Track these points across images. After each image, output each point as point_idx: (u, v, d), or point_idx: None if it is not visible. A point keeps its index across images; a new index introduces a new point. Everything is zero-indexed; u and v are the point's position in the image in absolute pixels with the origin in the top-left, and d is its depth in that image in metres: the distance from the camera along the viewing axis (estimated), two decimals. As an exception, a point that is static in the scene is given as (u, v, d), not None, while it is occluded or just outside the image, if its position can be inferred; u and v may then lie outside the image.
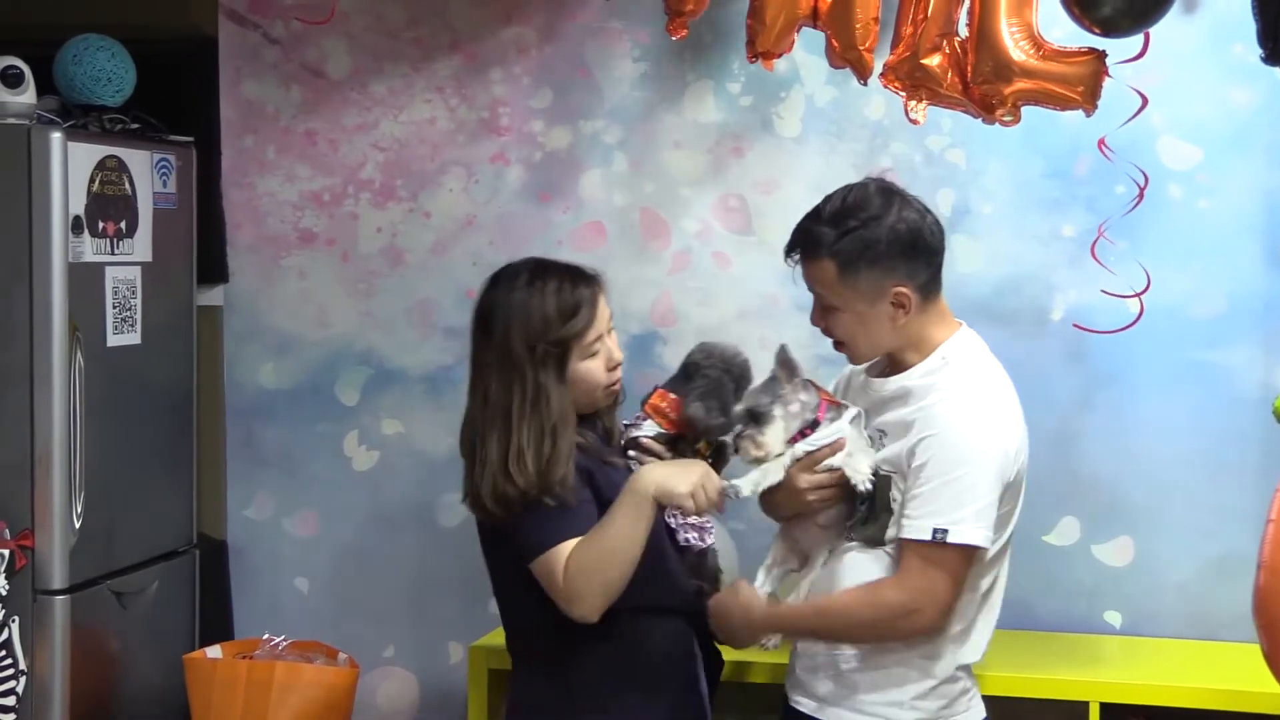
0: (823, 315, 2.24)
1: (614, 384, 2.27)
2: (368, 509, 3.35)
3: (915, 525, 2.10)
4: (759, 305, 3.12)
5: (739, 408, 2.22)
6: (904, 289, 2.16)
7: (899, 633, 2.13)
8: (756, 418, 2.17)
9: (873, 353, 2.24)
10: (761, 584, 2.25)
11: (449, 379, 3.23)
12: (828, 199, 2.22)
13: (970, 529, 2.08)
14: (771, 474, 2.19)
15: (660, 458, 2.30)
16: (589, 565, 2.11)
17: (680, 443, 2.32)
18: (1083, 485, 2.99)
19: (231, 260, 3.38)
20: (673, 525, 2.31)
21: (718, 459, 2.34)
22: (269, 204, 3.37)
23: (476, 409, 2.21)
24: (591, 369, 2.22)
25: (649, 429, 2.33)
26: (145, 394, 3.16)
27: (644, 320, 3.18)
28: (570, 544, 2.13)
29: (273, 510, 3.40)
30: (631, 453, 2.32)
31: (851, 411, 2.21)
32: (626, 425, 2.37)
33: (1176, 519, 2.96)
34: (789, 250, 2.24)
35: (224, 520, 3.40)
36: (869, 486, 2.13)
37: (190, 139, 3.27)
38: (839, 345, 2.26)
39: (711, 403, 2.29)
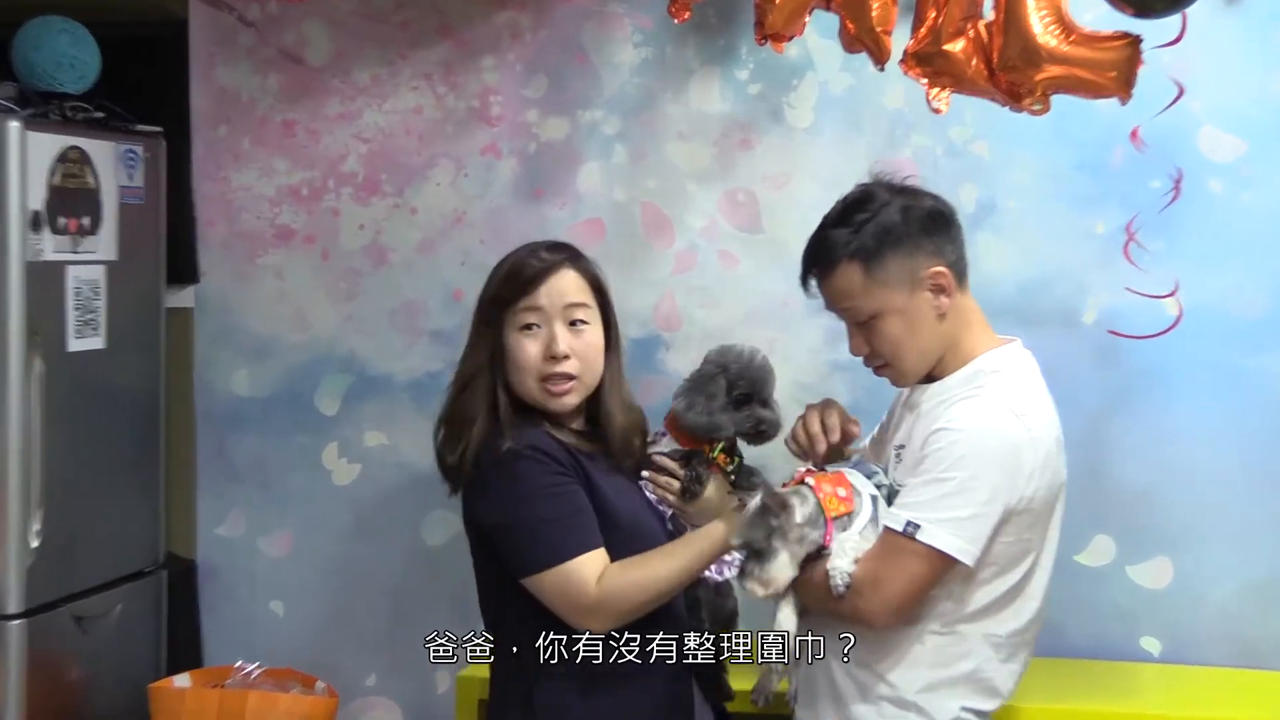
0: (861, 333, 2.22)
1: (551, 378, 2.20)
2: (349, 526, 3.34)
3: (893, 515, 2.12)
4: (768, 307, 3.12)
5: (735, 539, 2.13)
6: (938, 268, 2.18)
7: (838, 607, 2.12)
8: (756, 554, 2.09)
9: (923, 362, 2.22)
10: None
11: (436, 386, 3.16)
12: (828, 212, 2.27)
13: (944, 533, 2.07)
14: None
15: (674, 475, 2.29)
16: (635, 593, 2.11)
17: (695, 457, 2.31)
18: (1116, 501, 2.99)
19: (203, 259, 3.37)
20: None
21: (739, 473, 2.33)
22: (244, 199, 3.36)
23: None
24: (523, 346, 2.19)
25: (666, 445, 2.33)
26: (109, 402, 3.15)
27: (646, 323, 3.17)
28: (589, 560, 2.11)
29: (246, 528, 3.39)
30: (645, 473, 2.30)
31: (865, 509, 2.15)
32: (648, 443, 2.36)
33: (1218, 537, 2.96)
34: (806, 273, 2.25)
35: (194, 538, 3.39)
36: (841, 589, 2.09)
37: (159, 129, 3.26)
38: (882, 368, 2.25)
39: (695, 398, 2.28)
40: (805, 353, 3.09)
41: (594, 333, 2.25)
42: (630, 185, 3.20)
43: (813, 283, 2.26)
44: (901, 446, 2.24)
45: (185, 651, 3.32)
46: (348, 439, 3.34)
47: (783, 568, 2.10)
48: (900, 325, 2.19)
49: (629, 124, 3.19)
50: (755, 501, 2.10)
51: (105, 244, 3.09)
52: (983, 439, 2.11)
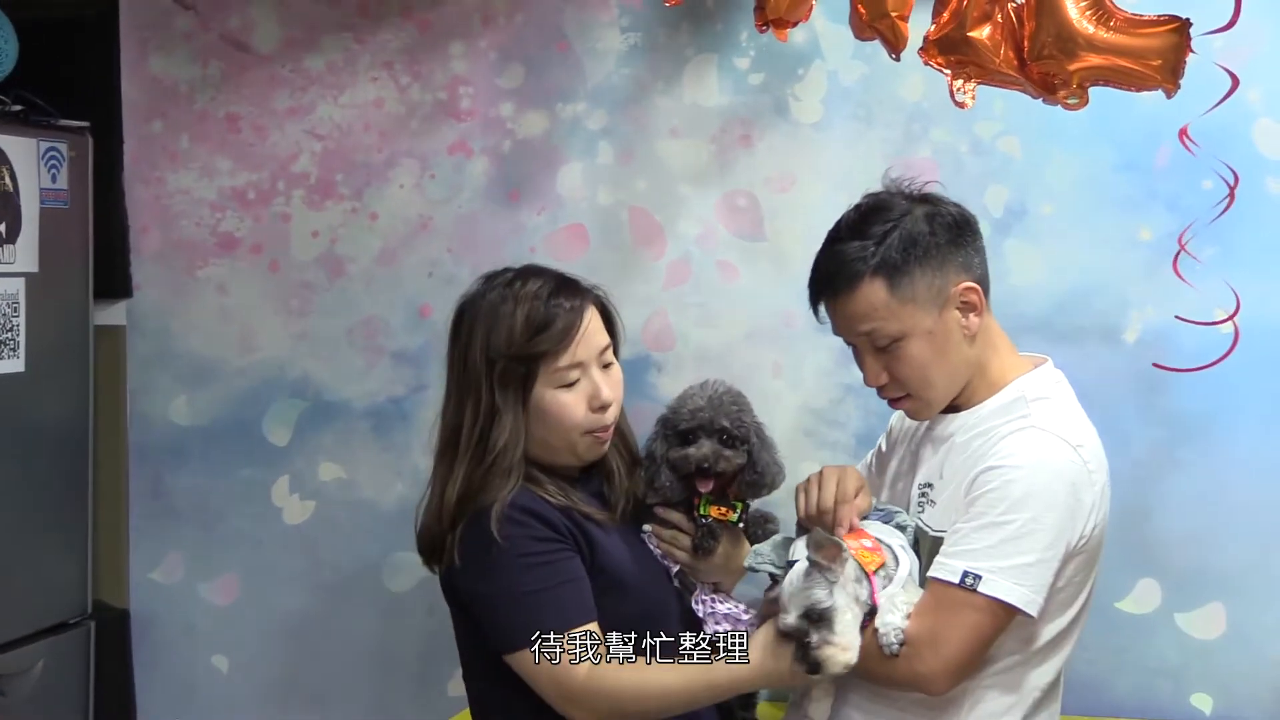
0: (880, 360, 2.18)
1: (599, 430, 2.19)
2: (301, 571, 3.33)
3: (946, 565, 2.08)
4: (772, 325, 3.11)
5: (791, 616, 2.06)
6: (969, 283, 2.16)
7: (891, 671, 2.08)
8: (819, 618, 2.02)
9: (950, 390, 2.20)
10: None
11: (399, 413, 3.24)
12: (837, 224, 2.22)
13: (1008, 583, 2.05)
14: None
15: (680, 529, 2.26)
16: (627, 700, 2.09)
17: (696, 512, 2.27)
18: (1164, 541, 2.95)
19: (136, 271, 3.37)
20: (700, 612, 2.24)
21: (749, 523, 2.30)
22: (182, 203, 3.35)
23: (439, 430, 2.22)
24: (564, 403, 2.16)
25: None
26: (30, 432, 3.14)
27: (635, 342, 3.12)
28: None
29: (185, 573, 3.37)
30: (647, 526, 2.27)
31: (904, 561, 2.12)
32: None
33: (1277, 582, 2.92)
34: (818, 295, 2.20)
35: (126, 585, 3.38)
36: (896, 647, 2.06)
37: (85, 124, 3.25)
38: (902, 399, 2.21)
39: (717, 445, 2.23)
40: (814, 375, 3.08)
41: (618, 368, 2.26)
42: (617, 188, 3.18)
43: (822, 306, 2.23)
44: (929, 485, 2.21)
45: (116, 712, 3.32)
46: (300, 473, 3.33)
47: (853, 624, 2.04)
48: (927, 349, 2.15)
49: (615, 119, 3.17)
50: (800, 563, 2.04)
51: (24, 254, 3.08)
52: (1043, 477, 2.08)
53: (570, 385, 2.16)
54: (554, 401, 2.15)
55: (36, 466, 3.15)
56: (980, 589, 2.04)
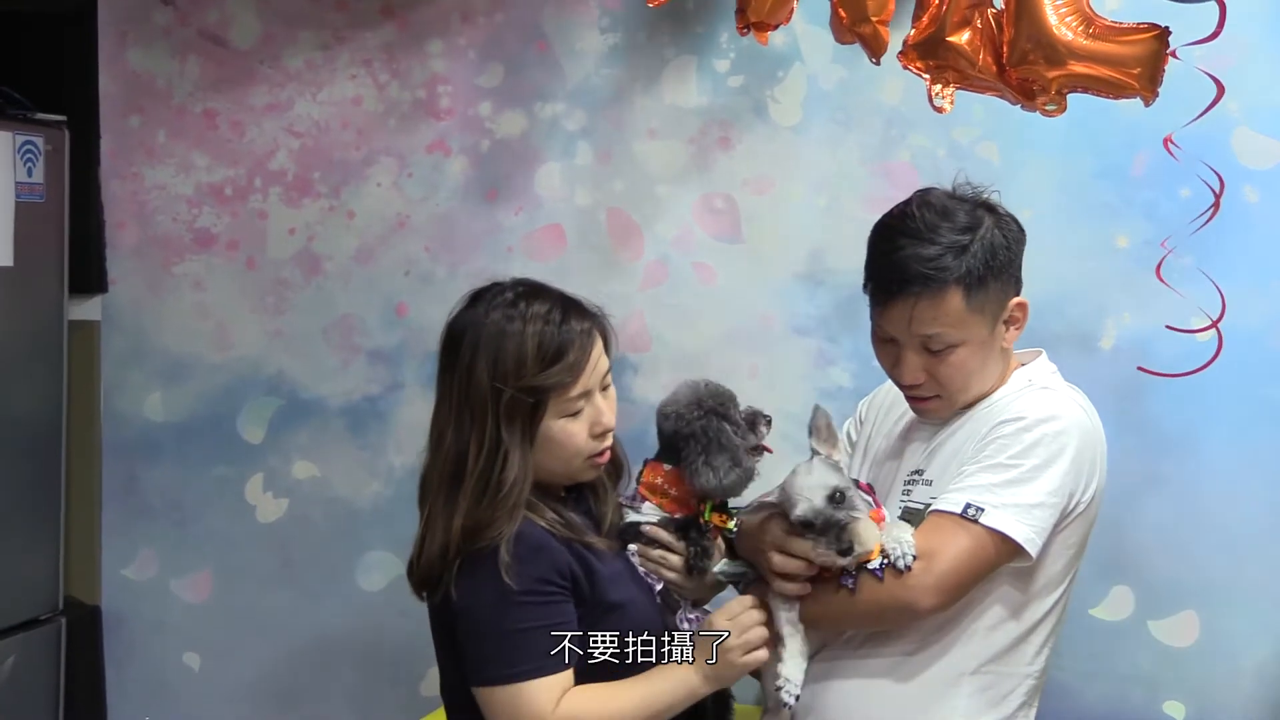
0: (922, 360, 2.18)
1: (599, 454, 2.16)
2: (274, 569, 3.32)
3: (948, 499, 2.10)
4: (749, 327, 3.10)
5: (805, 503, 2.09)
6: (1021, 299, 2.22)
7: (887, 592, 2.08)
8: (841, 498, 2.07)
9: (975, 395, 2.23)
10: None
11: (374, 412, 3.24)
12: (901, 218, 2.18)
13: (1011, 517, 2.06)
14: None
15: (669, 549, 2.23)
16: None
17: (692, 527, 2.25)
18: (1138, 549, 2.95)
19: (111, 266, 3.36)
20: (681, 627, 2.21)
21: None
22: (158, 199, 3.34)
23: (431, 456, 2.14)
24: (570, 432, 2.11)
25: (650, 512, 2.26)
26: (2, 426, 3.12)
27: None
28: (549, 684, 2.04)
29: (158, 570, 3.36)
30: (632, 546, 2.24)
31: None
32: (622, 506, 2.29)
33: (1251, 590, 2.91)
34: (895, 290, 2.15)
35: (98, 581, 3.37)
36: (911, 559, 2.07)
37: (62, 118, 3.24)
38: (930, 399, 2.21)
39: (717, 460, 2.21)
40: (791, 378, 3.07)
41: (613, 388, 2.21)
42: (595, 188, 3.17)
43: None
44: (919, 471, 2.23)
45: (86, 709, 3.31)
46: (274, 470, 3.32)
47: (870, 525, 2.08)
48: (976, 357, 2.19)
49: (594, 119, 3.17)
50: (807, 465, 2.12)
51: None
52: (1054, 427, 2.12)
53: (576, 414, 2.12)
54: (561, 431, 2.11)
55: (8, 461, 3.13)
56: (982, 520, 2.06)
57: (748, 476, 2.22)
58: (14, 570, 3.15)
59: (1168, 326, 2.80)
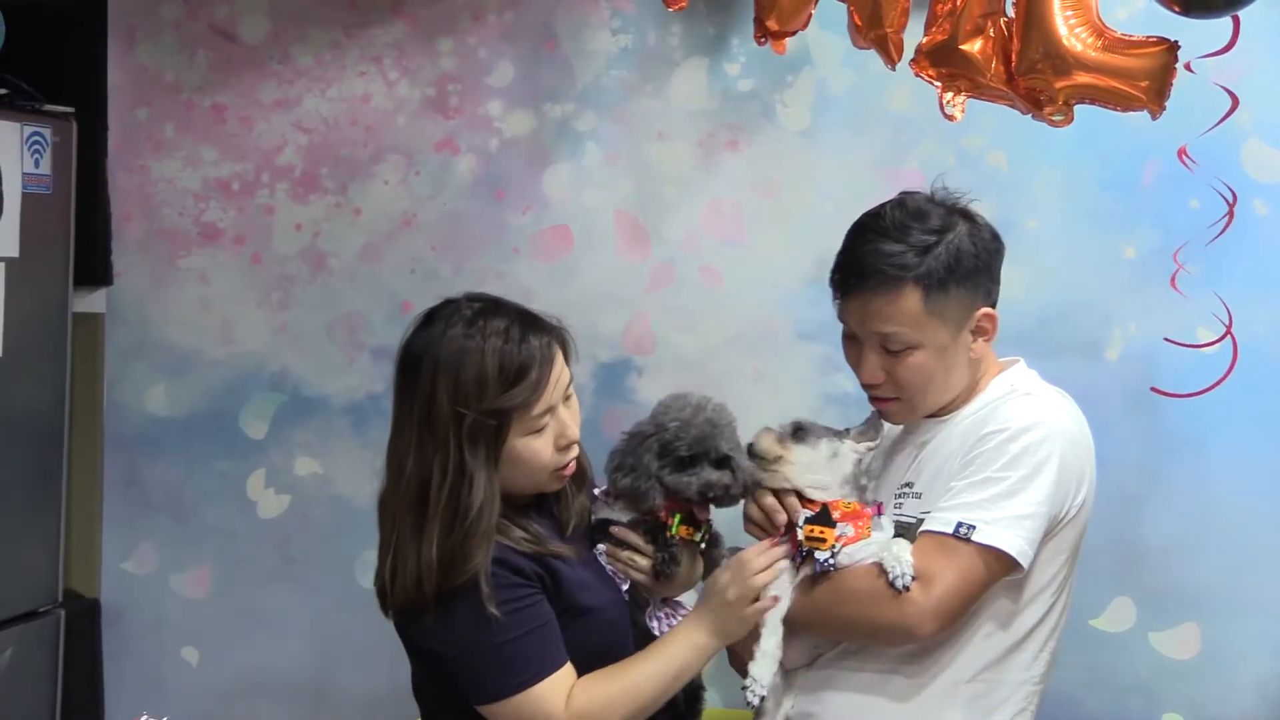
0: (882, 360, 2.17)
1: (563, 467, 2.12)
2: (274, 565, 3.31)
3: (939, 519, 2.09)
4: (754, 332, 3.10)
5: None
6: (989, 310, 2.18)
7: (884, 615, 2.07)
8: (798, 431, 2.15)
9: (938, 402, 2.21)
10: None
11: (378, 410, 3.22)
12: (875, 217, 2.18)
13: (1003, 532, 2.06)
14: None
15: (639, 551, 2.20)
16: (612, 712, 2.06)
17: (659, 532, 2.21)
18: (1140, 560, 2.97)
19: (117, 259, 3.34)
20: (655, 629, 2.20)
21: (709, 543, 2.25)
22: (165, 192, 3.33)
23: (391, 483, 2.07)
24: (535, 449, 2.07)
25: (619, 511, 2.23)
26: (5, 419, 3.11)
27: (615, 346, 3.16)
28: (555, 681, 2.03)
29: (158, 564, 3.35)
30: (601, 546, 2.22)
31: (888, 525, 2.16)
32: (595, 501, 2.27)
33: (1252, 602, 2.93)
34: (847, 283, 2.16)
35: (97, 575, 3.35)
36: (907, 582, 2.06)
37: (71, 110, 3.23)
38: (890, 401, 2.20)
39: (625, 462, 2.18)
40: (795, 383, 3.07)
41: (575, 398, 2.17)
42: (603, 190, 3.17)
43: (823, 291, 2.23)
44: (909, 484, 2.21)
45: (84, 702, 3.28)
46: (276, 467, 3.31)
47: (804, 459, 2.16)
48: (935, 363, 2.16)
49: (603, 121, 3.17)
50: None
51: (4, 238, 3.04)
52: (1039, 435, 2.10)
53: (540, 431, 2.08)
54: (525, 449, 2.06)
55: (10, 453, 3.11)
56: (974, 538, 2.05)
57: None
58: (13, 562, 3.11)
59: (1167, 339, 2.80)
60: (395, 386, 2.09)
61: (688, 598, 2.28)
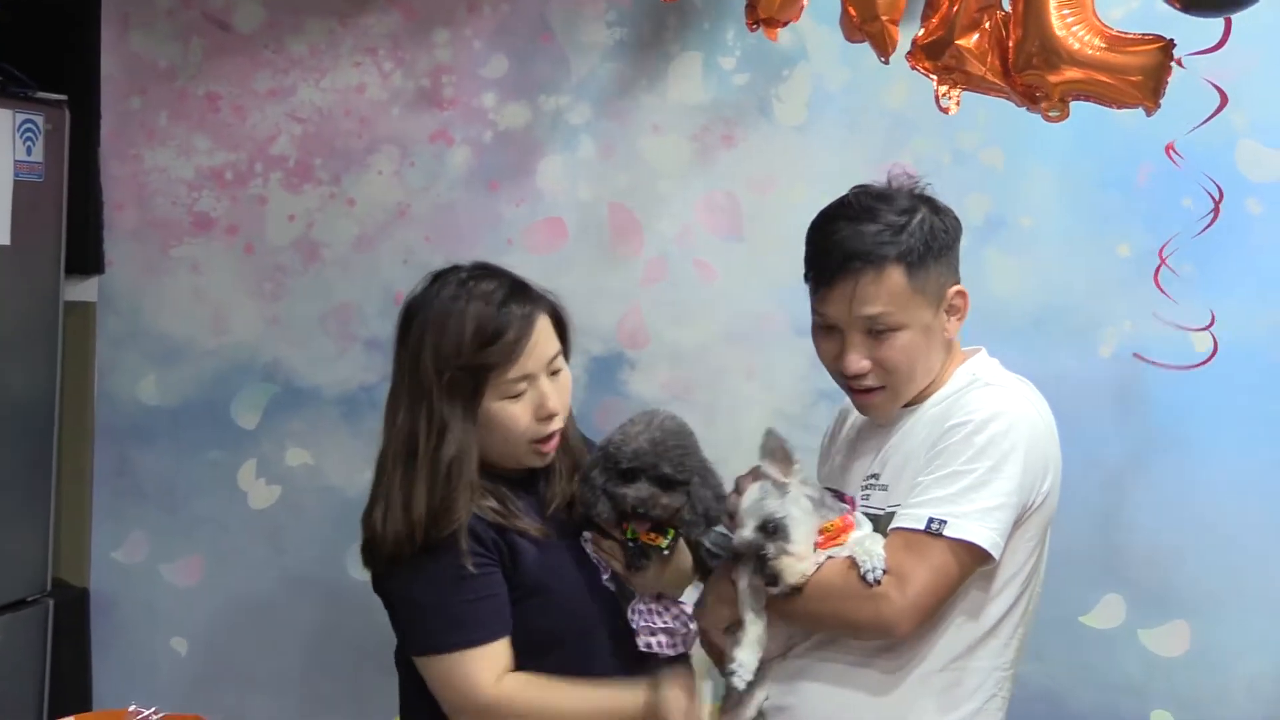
0: (867, 346, 2.16)
1: (543, 439, 2.15)
2: (264, 556, 3.32)
3: (910, 515, 2.09)
4: (747, 326, 3.10)
5: (741, 529, 2.10)
6: (961, 287, 2.19)
7: (860, 613, 2.08)
8: (775, 529, 2.06)
9: (918, 387, 2.20)
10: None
11: (370, 401, 3.23)
12: (842, 206, 2.19)
13: (974, 525, 2.06)
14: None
15: (617, 540, 2.21)
16: (532, 714, 2.10)
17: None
18: (1130, 557, 2.96)
19: (109, 248, 3.35)
20: (634, 624, 2.19)
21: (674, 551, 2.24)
22: (158, 181, 3.33)
23: (385, 435, 2.16)
24: (512, 414, 2.11)
25: (603, 505, 2.24)
26: None
27: (608, 339, 3.16)
28: (488, 654, 2.07)
29: (148, 553, 3.36)
30: (588, 535, 2.22)
31: (865, 522, 2.16)
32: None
33: (1242, 600, 2.93)
34: (835, 269, 2.15)
35: (86, 564, 3.36)
36: (880, 574, 2.06)
37: (63, 97, 3.23)
38: (874, 390, 2.18)
39: (656, 490, 2.17)
40: (788, 378, 3.07)
41: (567, 374, 2.21)
42: (597, 183, 3.17)
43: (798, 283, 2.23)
44: (874, 475, 2.21)
45: (72, 691, 3.28)
46: (267, 457, 3.31)
47: (809, 536, 2.08)
48: (920, 343, 2.15)
49: (598, 113, 3.16)
50: (754, 488, 2.10)
51: None
52: (1003, 425, 2.10)
53: (517, 396, 2.12)
54: (500, 412, 2.11)
55: (0, 441, 3.11)
56: (945, 533, 2.05)
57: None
58: (2, 550, 3.12)
59: (1155, 314, 2.77)
60: (394, 343, 2.19)
61: (688, 595, 2.28)
